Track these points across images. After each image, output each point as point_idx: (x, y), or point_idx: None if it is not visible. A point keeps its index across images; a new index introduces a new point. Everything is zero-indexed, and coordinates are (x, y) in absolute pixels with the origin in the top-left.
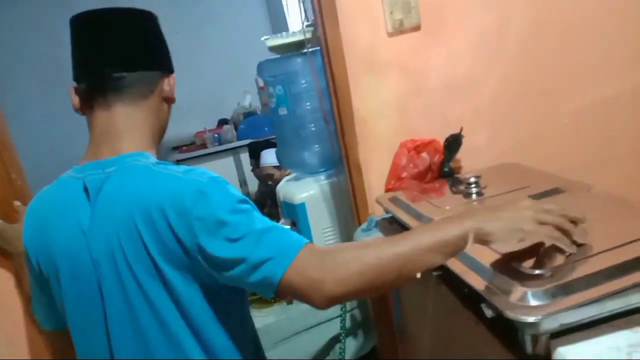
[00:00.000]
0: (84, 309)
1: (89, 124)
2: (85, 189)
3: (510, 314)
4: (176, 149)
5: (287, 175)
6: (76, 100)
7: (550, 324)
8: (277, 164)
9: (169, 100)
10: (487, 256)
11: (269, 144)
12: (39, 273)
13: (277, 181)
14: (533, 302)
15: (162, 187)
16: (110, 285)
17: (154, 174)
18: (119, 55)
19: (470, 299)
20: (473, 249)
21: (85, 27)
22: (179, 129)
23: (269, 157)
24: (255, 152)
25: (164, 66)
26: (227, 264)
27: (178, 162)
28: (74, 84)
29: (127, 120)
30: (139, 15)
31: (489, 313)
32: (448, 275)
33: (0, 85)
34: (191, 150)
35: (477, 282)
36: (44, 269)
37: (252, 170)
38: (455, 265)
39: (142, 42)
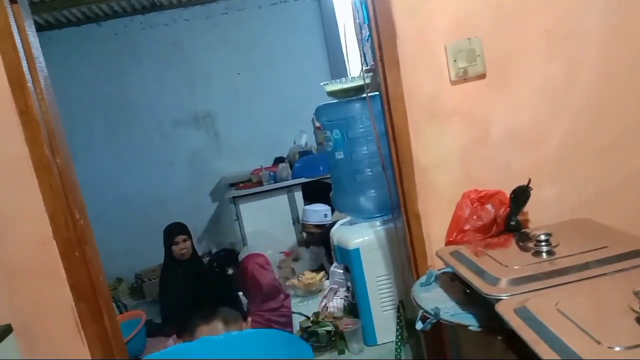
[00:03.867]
0: None
1: None
2: None
3: None
4: (233, 185)
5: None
6: None
7: None
8: (320, 223)
9: None
10: (558, 322)
11: (322, 186)
12: None
13: (319, 240)
14: None
15: None
16: None
17: None
18: None
19: None
20: (543, 314)
21: None
22: (236, 166)
23: (312, 215)
24: (307, 195)
25: None
26: None
27: (234, 198)
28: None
29: None
30: None
31: None
32: (514, 341)
33: (69, 124)
34: (247, 187)
35: (548, 354)
36: None
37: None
38: (525, 332)
39: None
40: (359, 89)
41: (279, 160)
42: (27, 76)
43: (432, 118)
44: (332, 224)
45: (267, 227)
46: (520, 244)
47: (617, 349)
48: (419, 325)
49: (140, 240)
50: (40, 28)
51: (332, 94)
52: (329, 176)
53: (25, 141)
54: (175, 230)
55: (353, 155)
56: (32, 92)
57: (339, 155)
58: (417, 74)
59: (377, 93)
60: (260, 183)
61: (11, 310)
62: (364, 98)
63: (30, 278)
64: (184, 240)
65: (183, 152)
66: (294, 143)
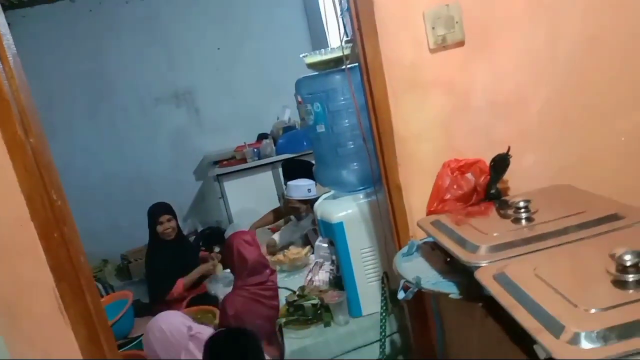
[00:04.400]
0: None
1: None
2: None
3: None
4: (216, 163)
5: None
6: None
7: None
8: (304, 198)
9: None
10: (536, 287)
11: (302, 164)
12: None
13: (302, 215)
14: (585, 345)
15: None
16: None
17: None
18: None
19: (522, 334)
20: (521, 279)
21: None
22: (219, 143)
23: (294, 190)
24: (286, 173)
25: None
26: None
27: (218, 176)
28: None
29: None
30: None
31: (542, 355)
32: (495, 306)
33: (48, 101)
34: (231, 164)
35: (527, 320)
36: None
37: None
38: (503, 298)
39: None
40: (339, 61)
41: (262, 137)
42: None
43: (412, 87)
44: (316, 199)
45: (252, 204)
46: (500, 211)
47: (593, 310)
48: (400, 295)
49: (125, 220)
50: (11, 6)
51: (311, 65)
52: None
53: None
54: (158, 211)
55: (334, 128)
56: (0, 72)
57: (320, 128)
58: (395, 42)
59: (357, 64)
60: (244, 160)
61: None
62: (344, 70)
63: (10, 259)
64: (168, 220)
65: (164, 129)
66: (277, 119)
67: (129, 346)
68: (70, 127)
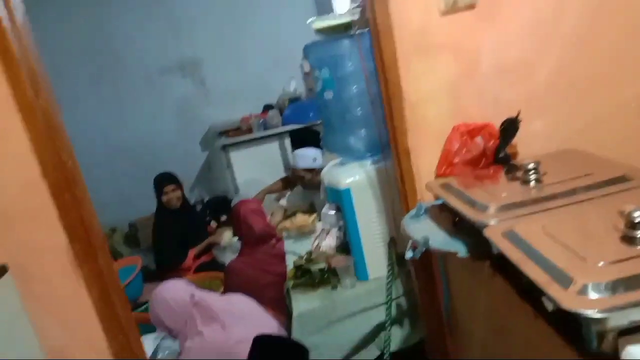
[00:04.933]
0: None
1: None
2: None
3: (575, 309)
4: (223, 133)
5: (318, 179)
6: None
7: (620, 320)
8: (310, 167)
9: None
10: (545, 243)
11: (309, 134)
12: None
13: (307, 183)
14: (593, 296)
15: None
16: None
17: None
18: None
19: (529, 290)
20: (530, 236)
21: None
22: (225, 114)
23: (300, 160)
24: (295, 142)
25: None
26: None
27: (224, 146)
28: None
29: None
30: None
31: (550, 306)
32: (503, 265)
33: (53, 73)
34: (237, 135)
35: (536, 273)
36: None
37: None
38: (512, 253)
39: None
40: (348, 26)
41: (268, 107)
42: (3, 14)
43: (422, 51)
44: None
45: (258, 175)
46: (509, 174)
47: (602, 264)
48: (408, 254)
49: (132, 190)
50: None
51: (320, 31)
52: (318, 123)
53: (7, 82)
54: (163, 181)
55: (342, 94)
56: (9, 31)
57: (328, 95)
58: (406, 5)
59: (367, 29)
60: (250, 130)
61: (6, 250)
62: (353, 35)
63: (23, 219)
64: (173, 190)
65: (170, 100)
66: (283, 90)
67: (137, 310)
68: (76, 98)
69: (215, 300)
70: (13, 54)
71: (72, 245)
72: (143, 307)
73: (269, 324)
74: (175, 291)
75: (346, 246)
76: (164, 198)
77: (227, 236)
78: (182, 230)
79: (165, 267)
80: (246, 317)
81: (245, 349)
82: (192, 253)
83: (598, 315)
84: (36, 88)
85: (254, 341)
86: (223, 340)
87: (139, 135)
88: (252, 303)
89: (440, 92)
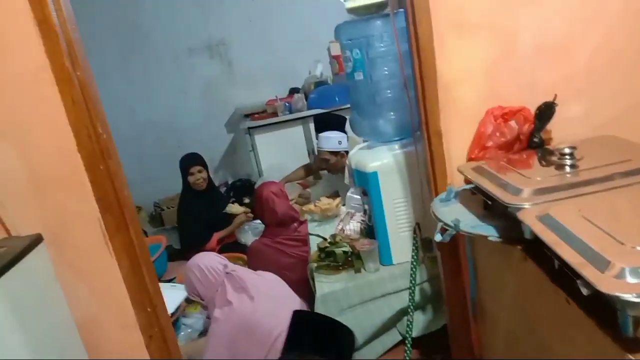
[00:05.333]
0: None
1: None
2: None
3: (613, 292)
4: (248, 116)
5: (343, 162)
6: None
7: None
8: (334, 149)
9: None
10: (581, 227)
11: (333, 118)
12: None
13: (333, 166)
14: (631, 280)
15: None
16: None
17: None
18: None
19: (561, 274)
20: (566, 219)
21: None
22: (251, 96)
23: (325, 142)
24: (318, 126)
25: None
26: None
27: (249, 129)
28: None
29: None
30: None
31: (585, 290)
32: (534, 249)
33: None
34: (262, 118)
35: (571, 255)
36: None
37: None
38: (547, 236)
39: None
40: (381, 6)
41: (294, 91)
42: None
43: (458, 30)
44: (346, 153)
45: (282, 158)
46: (543, 159)
47: None
48: (437, 237)
49: (157, 169)
50: None
51: (352, 10)
52: (343, 107)
53: (45, 52)
54: (189, 162)
55: (373, 75)
56: (49, 1)
57: (359, 76)
58: None
59: (400, 10)
60: (275, 114)
61: (41, 220)
62: (386, 15)
63: (57, 190)
64: (199, 171)
65: (197, 80)
66: (309, 73)
67: None
68: (104, 77)
69: (246, 272)
70: (52, 24)
71: (104, 216)
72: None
73: (295, 303)
74: (210, 260)
75: (370, 230)
76: (190, 179)
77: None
78: (206, 211)
79: (189, 246)
80: (274, 293)
81: (270, 323)
82: (216, 237)
83: (636, 300)
84: (73, 59)
85: (293, 315)
86: (250, 312)
87: (165, 115)
88: (281, 281)
89: (476, 73)
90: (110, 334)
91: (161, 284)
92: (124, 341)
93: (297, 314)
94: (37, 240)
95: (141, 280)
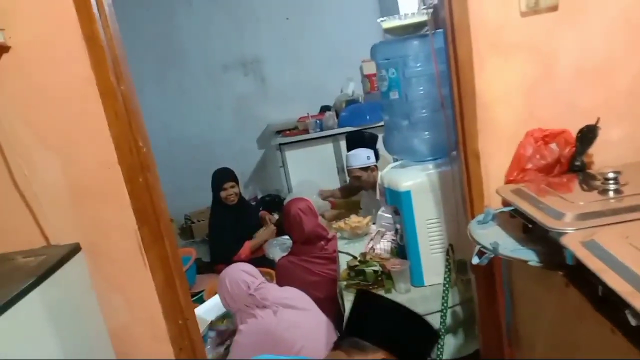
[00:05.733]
0: None
1: None
2: None
3: None
4: (279, 132)
5: (374, 176)
6: None
7: None
8: (364, 166)
9: None
10: (628, 254)
11: (365, 135)
12: None
13: (366, 182)
14: None
15: None
16: None
17: None
18: None
19: (605, 303)
20: (612, 246)
21: None
22: (283, 113)
23: (355, 159)
24: (350, 144)
25: None
26: None
27: (280, 145)
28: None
29: None
30: None
31: (634, 321)
32: (578, 276)
33: None
34: (293, 134)
35: (619, 284)
36: None
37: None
38: (592, 262)
39: None
40: (418, 26)
41: (325, 109)
42: (93, 2)
43: (498, 51)
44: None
45: (312, 175)
46: (585, 184)
47: None
48: (475, 260)
49: (189, 183)
50: None
51: (389, 30)
52: (375, 125)
53: (91, 67)
54: (222, 177)
55: (408, 95)
56: (97, 18)
57: (394, 95)
58: (485, 4)
59: (439, 30)
60: (306, 131)
61: (79, 229)
62: (423, 36)
63: (97, 200)
64: (232, 187)
65: (230, 96)
66: (341, 91)
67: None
68: (140, 91)
69: (269, 289)
70: (99, 39)
71: (141, 228)
72: (195, 298)
73: (319, 317)
74: (237, 275)
75: (401, 250)
76: (222, 194)
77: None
78: (237, 226)
79: (220, 259)
80: (298, 307)
81: (292, 336)
82: (248, 245)
83: None
84: (118, 74)
85: (358, 294)
86: (274, 325)
87: (198, 130)
88: (305, 296)
89: (515, 94)
90: (141, 344)
91: None
92: (154, 352)
93: (362, 294)
94: (75, 249)
95: (174, 293)
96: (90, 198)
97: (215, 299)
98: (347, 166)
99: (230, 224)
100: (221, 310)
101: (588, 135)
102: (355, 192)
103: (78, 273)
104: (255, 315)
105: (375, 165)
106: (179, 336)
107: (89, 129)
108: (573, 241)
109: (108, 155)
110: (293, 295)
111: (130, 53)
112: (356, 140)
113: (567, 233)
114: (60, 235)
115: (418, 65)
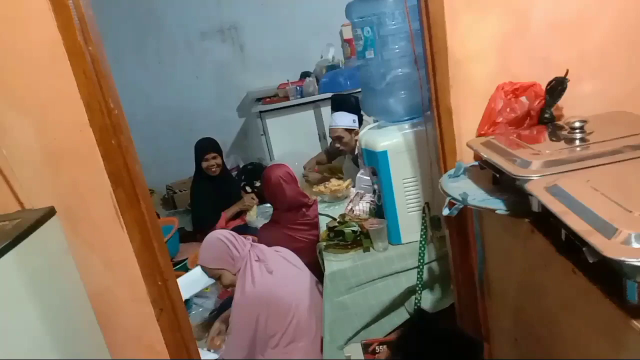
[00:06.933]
0: None
1: None
2: None
3: (618, 257)
4: (259, 100)
5: (356, 140)
6: None
7: None
8: (349, 127)
9: None
10: (589, 197)
11: (351, 99)
12: None
13: (347, 144)
14: (637, 245)
15: None
16: None
17: None
18: None
19: (569, 245)
20: (574, 190)
21: None
22: (262, 80)
23: (340, 119)
24: (335, 106)
25: None
26: None
27: (261, 113)
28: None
29: None
30: None
31: (591, 258)
32: (542, 222)
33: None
34: (274, 102)
35: (578, 224)
36: None
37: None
38: (554, 205)
39: None
40: None
41: (305, 75)
42: None
43: (470, 7)
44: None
45: (293, 143)
46: (554, 134)
47: None
48: (445, 212)
49: (170, 153)
50: None
51: None
52: (354, 91)
53: (58, 27)
54: (205, 147)
55: (384, 54)
56: None
57: (370, 54)
58: None
59: None
60: (286, 98)
61: (54, 193)
62: None
63: (70, 163)
64: (214, 157)
65: (209, 64)
66: (321, 57)
67: (174, 268)
68: (118, 61)
69: (265, 247)
70: None
71: (116, 191)
72: (179, 266)
73: (308, 276)
74: (233, 234)
75: (379, 210)
76: (204, 164)
77: (253, 211)
78: (219, 196)
79: (201, 228)
80: (295, 265)
81: (289, 295)
82: (224, 215)
83: None
84: (85, 34)
85: (415, 312)
86: (272, 285)
87: (178, 99)
88: (295, 256)
89: (488, 50)
90: (121, 306)
91: None
92: (135, 313)
93: (419, 312)
94: (50, 213)
95: (152, 254)
96: (63, 161)
97: (192, 274)
98: (331, 125)
99: (212, 194)
100: (200, 286)
101: (557, 87)
102: (335, 157)
103: (54, 236)
104: (253, 275)
105: (358, 131)
106: (159, 297)
107: (59, 90)
108: (537, 187)
109: (79, 117)
110: (285, 254)
111: (107, 23)
112: (341, 102)
113: (532, 180)
114: (35, 199)
115: (393, 23)
